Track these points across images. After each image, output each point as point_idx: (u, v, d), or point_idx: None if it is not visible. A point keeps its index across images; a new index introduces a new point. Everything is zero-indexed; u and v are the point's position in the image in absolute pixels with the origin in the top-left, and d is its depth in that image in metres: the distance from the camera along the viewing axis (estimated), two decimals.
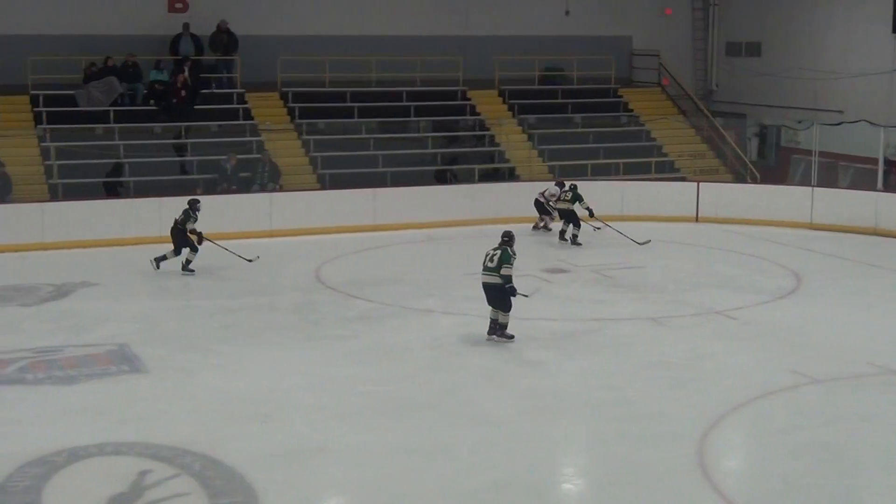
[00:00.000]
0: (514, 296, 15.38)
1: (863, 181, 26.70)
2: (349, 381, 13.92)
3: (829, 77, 29.04)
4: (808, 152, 27.49)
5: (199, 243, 20.19)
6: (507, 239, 15.75)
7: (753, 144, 31.66)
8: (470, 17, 31.15)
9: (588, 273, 20.37)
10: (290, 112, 28.40)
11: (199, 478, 10.73)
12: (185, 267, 20.16)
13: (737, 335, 16.24)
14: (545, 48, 31.48)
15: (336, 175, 26.55)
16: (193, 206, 20.34)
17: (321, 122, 28.31)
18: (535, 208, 24.41)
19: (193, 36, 28.09)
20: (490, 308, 15.62)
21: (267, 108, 28.34)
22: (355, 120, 28.67)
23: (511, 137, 29.12)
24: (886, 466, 11.50)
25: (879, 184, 25.15)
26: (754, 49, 32.17)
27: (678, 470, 11.16)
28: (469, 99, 30.24)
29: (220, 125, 27.30)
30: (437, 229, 24.58)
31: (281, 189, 25.54)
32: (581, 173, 27.84)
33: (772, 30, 31.46)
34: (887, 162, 26.43)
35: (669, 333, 16.39)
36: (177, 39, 28.01)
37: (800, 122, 29.18)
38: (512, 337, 15.55)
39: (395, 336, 16.07)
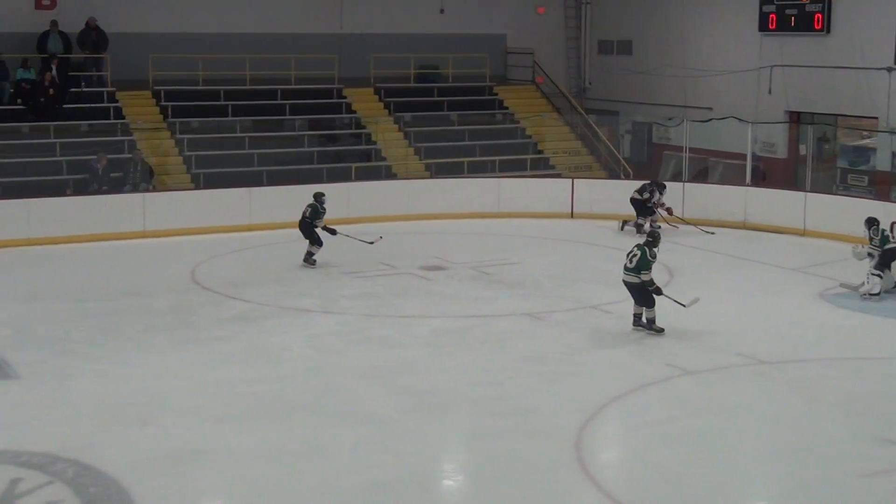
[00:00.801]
0: (659, 296, 15.72)
1: (732, 176, 27.33)
2: (227, 383, 13.77)
3: (698, 75, 29.67)
4: (679, 148, 28.06)
5: (334, 234, 20.59)
6: (651, 239, 15.84)
7: (626, 141, 32.16)
8: (344, 15, 31.05)
9: (466, 270, 20.47)
10: (163, 111, 27.99)
11: (73, 485, 10.51)
12: (308, 259, 20.47)
13: (612, 329, 16.48)
14: (420, 46, 31.55)
15: (210, 174, 26.25)
16: (320, 200, 20.69)
17: (195, 120, 27.95)
18: (631, 206, 24.53)
19: (61, 33, 27.45)
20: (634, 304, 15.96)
21: (138, 107, 27.87)
22: (230, 118, 28.37)
23: (387, 135, 29.13)
24: (756, 454, 11.80)
25: (748, 179, 25.76)
26: (626, 47, 32.70)
27: (557, 463, 11.30)
28: (345, 97, 30.15)
29: (90, 124, 26.73)
30: None
31: (154, 189, 25.14)
32: (457, 171, 28.01)
33: (643, 28, 32.03)
34: (755, 157, 27.09)
35: (547, 329, 16.56)
36: (44, 37, 27.34)
37: (671, 118, 29.74)
38: (662, 330, 15.78)
39: (274, 336, 15.95)
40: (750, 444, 12.05)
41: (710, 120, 27.92)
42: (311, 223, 20.53)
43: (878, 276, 18.14)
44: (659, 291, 15.71)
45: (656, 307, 15.84)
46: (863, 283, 18.38)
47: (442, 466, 11.75)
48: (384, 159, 28.49)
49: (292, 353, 15.21)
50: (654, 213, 24.18)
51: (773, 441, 12.07)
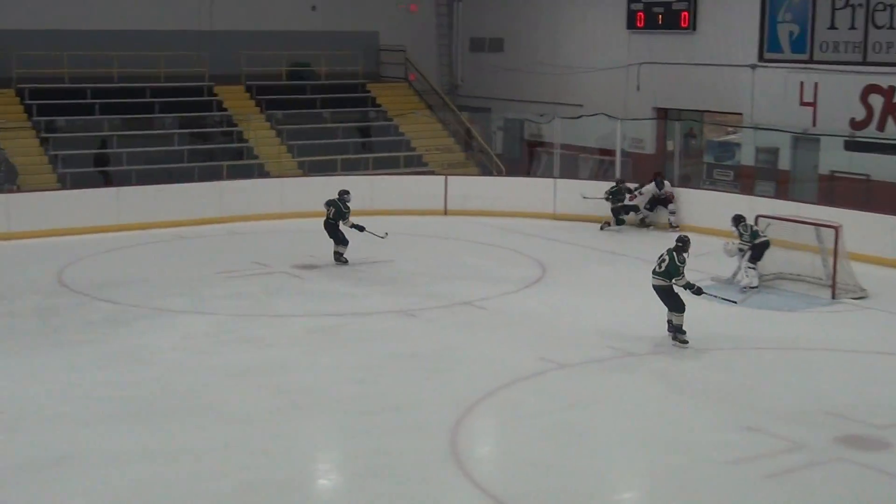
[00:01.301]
0: (700, 295, 15.51)
1: (603, 172, 27.71)
2: (94, 387, 13.47)
3: (568, 72, 30.02)
4: (551, 145, 28.34)
5: (361, 231, 20.29)
6: (681, 244, 15.45)
7: (499, 138, 32.38)
8: (214, 12, 30.67)
9: (337, 268, 20.37)
10: (27, 109, 27.32)
11: None
12: (339, 258, 20.18)
13: (486, 325, 16.57)
14: (292, 43, 31.34)
15: (77, 174, 25.67)
16: (344, 199, 20.40)
17: (60, 119, 27.32)
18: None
19: None
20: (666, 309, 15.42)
21: (2, 106, 27.16)
22: (97, 117, 27.80)
23: (259, 133, 28.84)
24: (627, 444, 11.95)
25: (618, 174, 26.12)
26: (497, 45, 32.94)
27: (431, 459, 11.29)
28: (215, 94, 29.79)
29: None
30: (186, 227, 24.08)
31: (18, 189, 24.48)
32: (331, 168, 27.87)
33: (514, 26, 32.28)
34: (626, 153, 27.50)
35: (420, 325, 16.57)
36: None
37: (542, 115, 30.03)
38: (686, 342, 15.22)
39: (142, 338, 15.65)
40: (620, 434, 12.20)
41: (581, 117, 28.26)
42: (335, 223, 20.31)
43: (754, 268, 18.58)
44: (700, 291, 15.42)
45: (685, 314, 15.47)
46: (735, 275, 18.83)
47: (314, 466, 11.66)
48: (256, 157, 28.20)
49: (161, 354, 14.94)
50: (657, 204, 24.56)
51: (641, 431, 12.24)
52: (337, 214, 20.34)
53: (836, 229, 18.36)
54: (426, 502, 10.41)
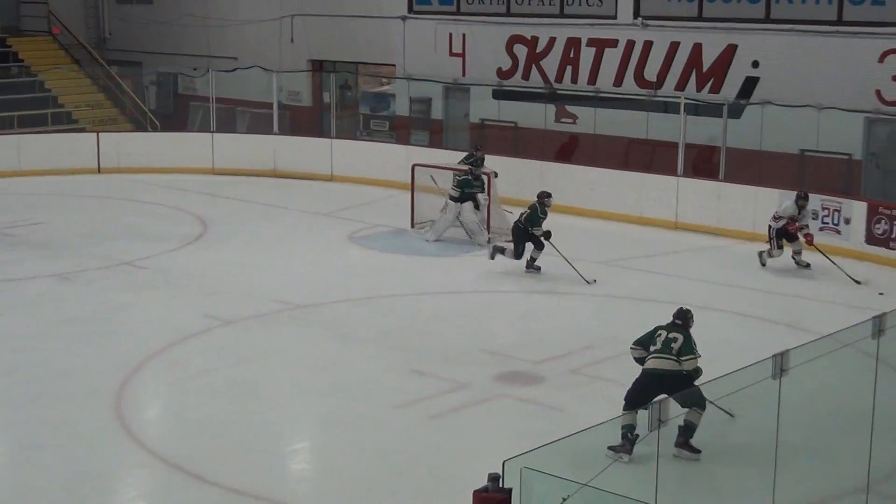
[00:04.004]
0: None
1: (260, 126, 27.53)
2: None
3: (220, 24, 29.57)
4: (206, 99, 27.86)
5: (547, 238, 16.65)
6: (690, 317, 10.70)
7: (152, 92, 31.52)
8: None
9: None
10: None
11: None
12: (531, 265, 16.92)
13: (148, 284, 16.21)
14: None
15: None
16: (544, 203, 16.82)
17: None
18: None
19: None
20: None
21: None
22: None
23: None
24: (297, 396, 12.06)
25: (275, 127, 26.06)
26: None
27: (97, 425, 10.98)
28: None
29: None
30: None
31: None
32: None
33: None
34: (283, 106, 27.43)
35: (79, 288, 16.01)
36: None
37: (195, 69, 29.46)
38: (699, 452, 10.11)
39: None
40: (290, 386, 12.28)
41: (235, 70, 27.93)
42: (525, 228, 16.78)
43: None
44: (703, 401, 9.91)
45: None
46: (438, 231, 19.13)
47: None
48: None
49: None
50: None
51: (312, 382, 12.38)
52: (530, 219, 16.63)
53: (489, 175, 19.08)
54: (95, 470, 10.11)
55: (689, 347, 10.24)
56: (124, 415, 11.26)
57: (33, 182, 23.62)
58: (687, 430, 9.97)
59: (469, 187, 18.70)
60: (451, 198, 18.80)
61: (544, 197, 16.88)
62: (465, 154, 20.91)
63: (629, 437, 9.77)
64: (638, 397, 10.05)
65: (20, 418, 11.29)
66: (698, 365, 10.16)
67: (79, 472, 10.07)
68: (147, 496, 9.99)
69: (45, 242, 18.80)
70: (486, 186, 18.91)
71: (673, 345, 10.32)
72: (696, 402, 9.78)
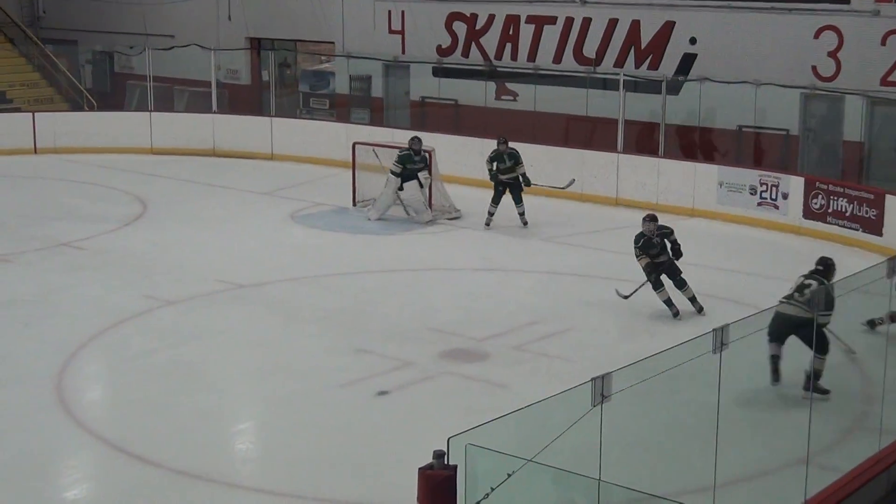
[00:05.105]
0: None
1: (198, 104, 27.30)
2: None
3: (157, 2, 29.23)
4: (143, 77, 27.51)
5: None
6: (832, 267, 11.48)
7: (88, 71, 31.09)
8: None
9: None
10: None
11: None
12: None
13: (87, 265, 16.05)
14: None
15: None
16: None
17: None
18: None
19: None
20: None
21: None
22: None
23: None
24: (241, 376, 12.01)
25: (214, 106, 25.82)
26: None
27: (38, 409, 10.86)
28: None
29: None
30: None
31: None
32: None
33: None
34: (221, 84, 27.19)
35: (17, 270, 15.81)
36: None
37: (132, 47, 29.11)
38: (828, 391, 10.67)
39: None
40: (234, 367, 12.23)
41: (173, 48, 27.62)
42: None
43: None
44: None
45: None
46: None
47: None
48: None
49: None
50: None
51: (256, 362, 12.31)
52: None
53: (430, 153, 19.06)
54: (38, 452, 10.00)
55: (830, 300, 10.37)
56: (65, 397, 11.15)
57: None
58: (815, 376, 10.35)
59: (410, 163, 18.66)
60: (393, 173, 18.75)
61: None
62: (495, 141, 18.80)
63: (775, 366, 10.68)
64: (775, 334, 10.60)
65: None
66: (827, 314, 10.36)
67: (21, 453, 9.97)
68: (90, 478, 9.89)
69: None
70: (428, 164, 18.90)
71: (805, 290, 10.99)
72: (820, 349, 10.45)
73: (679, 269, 13.77)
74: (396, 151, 19.04)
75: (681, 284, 13.77)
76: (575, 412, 6.64)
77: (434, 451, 6.59)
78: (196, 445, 10.13)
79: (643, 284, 13.67)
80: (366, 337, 13.03)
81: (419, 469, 6.64)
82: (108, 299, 14.42)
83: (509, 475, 6.43)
